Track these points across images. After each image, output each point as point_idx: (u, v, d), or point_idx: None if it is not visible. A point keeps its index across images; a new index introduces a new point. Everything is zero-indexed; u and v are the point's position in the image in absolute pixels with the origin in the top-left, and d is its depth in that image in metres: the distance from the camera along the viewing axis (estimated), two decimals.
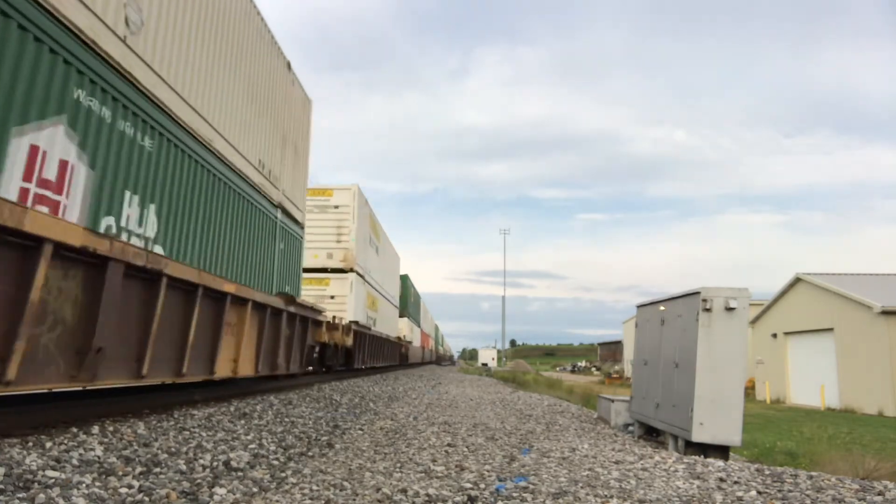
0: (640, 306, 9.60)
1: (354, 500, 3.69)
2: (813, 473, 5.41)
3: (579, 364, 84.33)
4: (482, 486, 4.19)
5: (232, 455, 4.58)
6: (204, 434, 5.22)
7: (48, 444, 3.90)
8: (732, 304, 6.87)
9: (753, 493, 4.43)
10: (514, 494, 3.97)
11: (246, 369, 7.28)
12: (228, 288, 6.40)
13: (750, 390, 27.66)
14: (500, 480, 4.41)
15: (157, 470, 3.86)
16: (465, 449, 5.89)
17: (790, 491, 4.56)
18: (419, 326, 44.67)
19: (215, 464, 4.29)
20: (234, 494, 3.61)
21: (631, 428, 9.28)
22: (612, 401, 10.11)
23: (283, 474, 4.29)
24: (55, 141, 4.43)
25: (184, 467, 4.04)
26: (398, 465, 4.89)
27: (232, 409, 6.97)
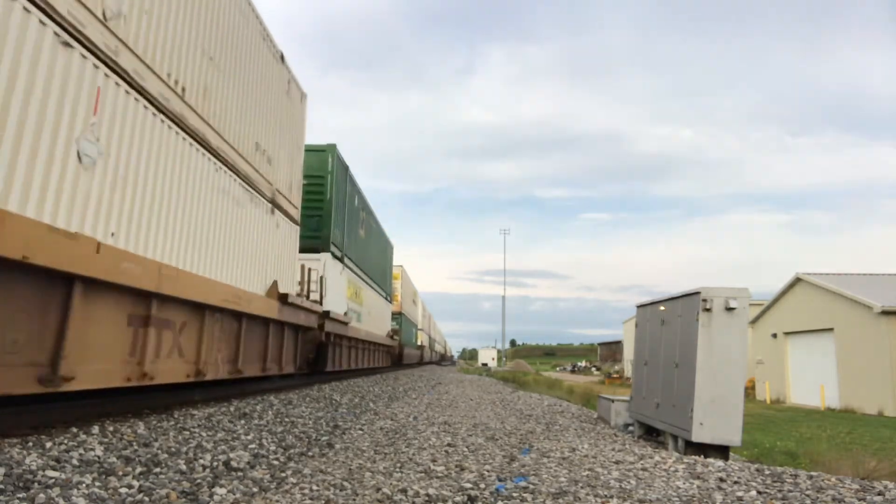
0: (639, 306, 9.60)
1: (354, 500, 3.69)
2: (813, 473, 5.41)
3: (579, 364, 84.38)
4: (482, 486, 4.19)
5: (232, 455, 4.58)
6: (204, 434, 5.22)
7: (48, 444, 3.90)
8: (732, 304, 6.87)
9: (753, 493, 4.43)
10: (514, 494, 3.97)
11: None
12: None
13: (750, 390, 27.65)
14: (500, 480, 4.41)
15: (157, 470, 3.87)
16: (465, 449, 5.89)
17: (790, 491, 4.56)
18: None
19: (215, 464, 4.29)
20: (234, 494, 3.61)
21: (631, 428, 9.28)
22: (612, 401, 10.11)
23: (283, 474, 4.29)
24: None
25: (184, 467, 4.04)
26: (398, 465, 4.89)
27: (232, 409, 6.98)
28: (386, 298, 23.38)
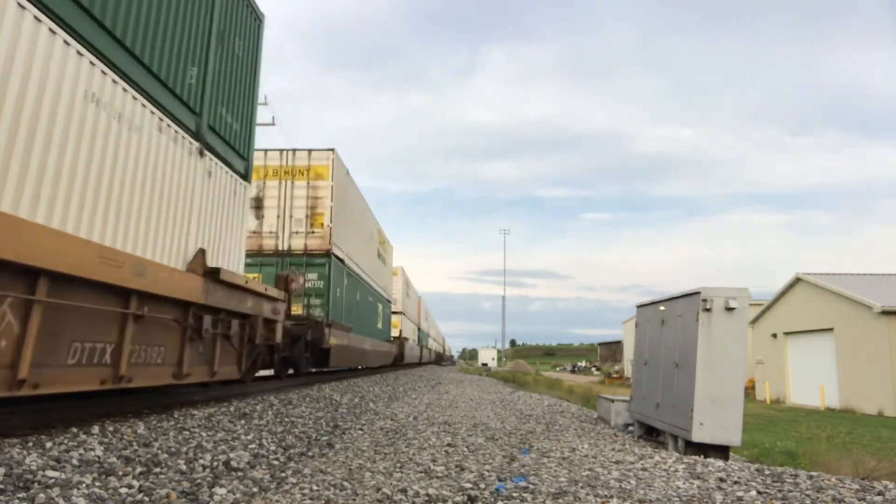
0: (640, 306, 9.60)
1: (354, 500, 3.69)
2: (813, 473, 5.40)
3: (579, 364, 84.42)
4: (482, 486, 4.19)
5: (232, 455, 4.58)
6: (204, 434, 5.22)
7: (48, 444, 3.90)
8: (732, 304, 6.86)
9: (753, 493, 4.43)
10: (514, 494, 3.97)
11: None
12: None
13: (750, 390, 27.66)
14: (500, 480, 4.41)
15: (157, 470, 3.86)
16: (465, 449, 5.88)
17: (790, 491, 4.56)
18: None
19: (215, 464, 4.29)
20: (234, 494, 3.61)
21: (631, 428, 9.28)
22: (612, 401, 10.11)
23: (283, 474, 4.29)
24: None
25: (184, 467, 4.04)
26: (398, 465, 4.89)
27: (232, 409, 6.98)
28: (234, 171, 7.77)
